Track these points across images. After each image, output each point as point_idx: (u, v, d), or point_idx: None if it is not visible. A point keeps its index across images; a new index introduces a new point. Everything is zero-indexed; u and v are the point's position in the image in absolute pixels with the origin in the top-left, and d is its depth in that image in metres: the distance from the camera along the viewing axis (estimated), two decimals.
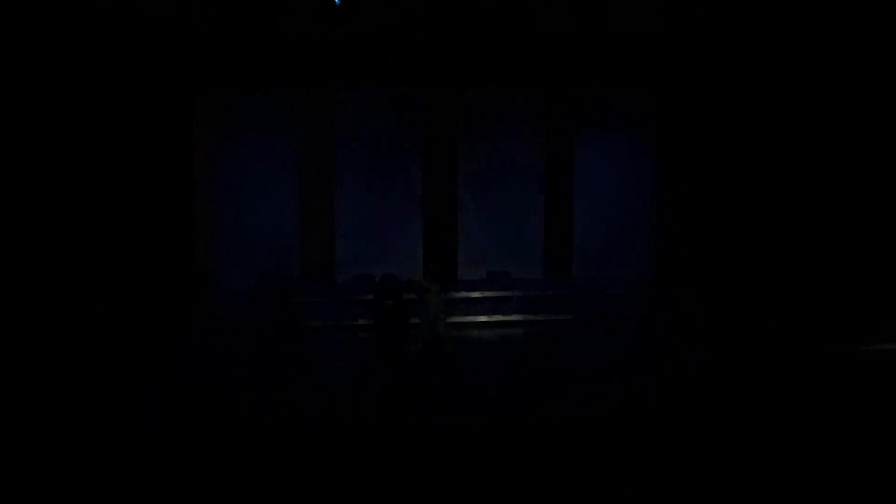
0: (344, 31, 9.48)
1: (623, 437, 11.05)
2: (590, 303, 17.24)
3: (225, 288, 17.94)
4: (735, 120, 16.58)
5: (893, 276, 14.91)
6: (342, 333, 16.30)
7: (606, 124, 18.76)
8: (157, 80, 14.11)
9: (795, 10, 13.41)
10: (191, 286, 17.43)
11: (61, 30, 12.09)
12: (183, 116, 17.36)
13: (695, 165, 18.05)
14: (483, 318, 16.74)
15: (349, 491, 9.89)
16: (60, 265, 14.20)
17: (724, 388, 13.32)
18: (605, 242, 18.91)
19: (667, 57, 13.65)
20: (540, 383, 13.59)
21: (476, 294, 17.50)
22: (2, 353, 13.16)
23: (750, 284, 15.92)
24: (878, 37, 13.44)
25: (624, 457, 10.36)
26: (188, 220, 17.65)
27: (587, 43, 10.08)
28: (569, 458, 10.39)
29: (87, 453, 10.75)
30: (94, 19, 11.52)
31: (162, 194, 16.95)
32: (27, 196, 13.83)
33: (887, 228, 14.80)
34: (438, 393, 12.82)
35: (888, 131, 14.46)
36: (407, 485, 9.92)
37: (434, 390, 12.93)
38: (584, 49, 13.41)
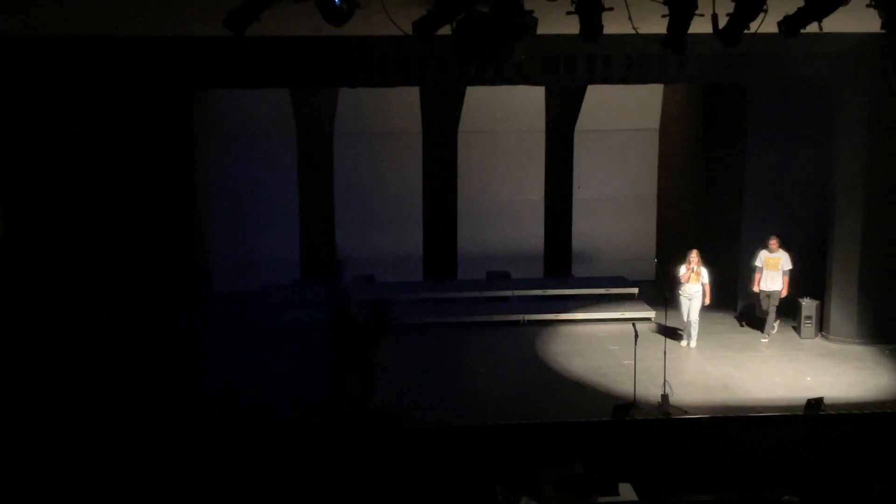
0: (344, 31, 9.47)
1: None
2: (590, 303, 17.23)
3: (225, 287, 17.98)
4: (734, 119, 16.58)
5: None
6: None
7: (607, 122, 18.78)
8: (157, 79, 14.13)
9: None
10: (191, 285, 17.45)
11: (61, 29, 12.09)
12: (183, 116, 17.39)
13: (695, 165, 18.08)
14: (484, 319, 16.73)
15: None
16: (61, 264, 14.21)
17: None
18: (605, 242, 18.96)
19: (665, 57, 13.64)
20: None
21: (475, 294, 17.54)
22: (2, 352, 13.18)
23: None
24: None
25: None
26: (188, 218, 17.68)
27: (585, 43, 10.11)
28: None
29: (87, 453, 10.78)
30: (94, 19, 11.51)
31: (162, 193, 16.98)
32: (27, 195, 13.84)
33: None
34: None
35: None
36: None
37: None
38: (582, 49, 13.40)
